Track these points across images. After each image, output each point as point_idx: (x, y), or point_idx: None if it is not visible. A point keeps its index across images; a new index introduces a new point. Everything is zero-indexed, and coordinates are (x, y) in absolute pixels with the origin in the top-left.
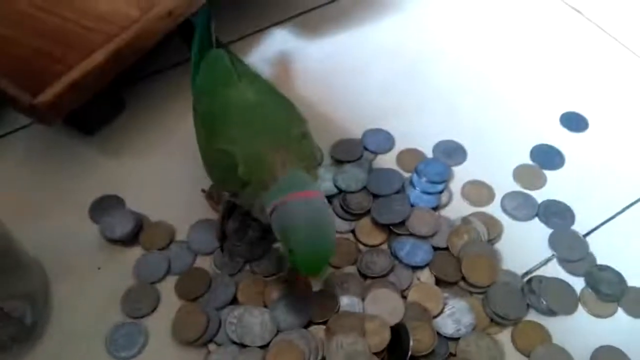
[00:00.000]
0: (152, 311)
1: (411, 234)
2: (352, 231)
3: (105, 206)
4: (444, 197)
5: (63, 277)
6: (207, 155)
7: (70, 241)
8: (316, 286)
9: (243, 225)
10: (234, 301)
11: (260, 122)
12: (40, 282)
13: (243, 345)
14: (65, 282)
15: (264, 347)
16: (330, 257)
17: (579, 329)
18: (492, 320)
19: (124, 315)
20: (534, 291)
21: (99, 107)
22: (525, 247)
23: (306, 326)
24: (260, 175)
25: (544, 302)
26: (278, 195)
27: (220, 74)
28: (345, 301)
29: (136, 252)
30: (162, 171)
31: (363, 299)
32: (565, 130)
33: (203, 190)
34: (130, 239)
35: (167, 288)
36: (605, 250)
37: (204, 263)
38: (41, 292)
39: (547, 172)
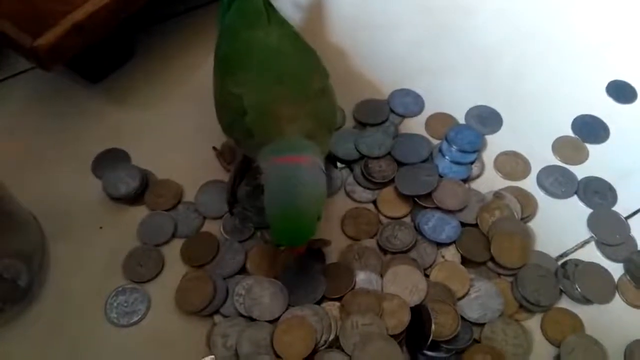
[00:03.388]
0: (156, 276)
1: (437, 208)
2: (374, 201)
3: (109, 160)
4: (475, 169)
5: (61, 235)
6: (218, 95)
7: (71, 197)
8: (292, 262)
9: (256, 190)
10: (242, 270)
11: (278, 70)
12: (36, 241)
13: (251, 319)
14: (63, 241)
15: (273, 321)
16: (306, 229)
17: (614, 319)
18: (521, 305)
19: (126, 279)
20: (569, 276)
21: (105, 53)
22: (561, 227)
23: (319, 302)
24: (265, 128)
25: (578, 289)
26: (267, 157)
27: (250, 13)
28: (362, 277)
29: (141, 211)
30: (171, 125)
31: (382, 276)
32: (611, 101)
33: (214, 148)
34: (135, 198)
35: (173, 252)
36: None
37: (213, 227)
38: (37, 251)
39: (589, 146)
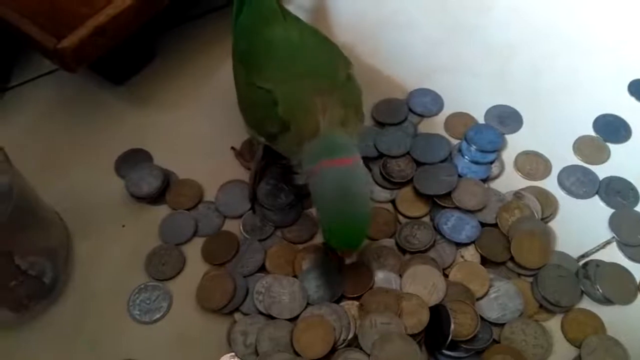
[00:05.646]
0: (177, 274)
1: (457, 207)
2: (392, 201)
3: (131, 161)
4: (495, 168)
5: (85, 233)
6: (245, 94)
7: (94, 196)
8: (350, 259)
9: (275, 189)
10: (262, 269)
11: (304, 63)
12: (61, 239)
13: (270, 317)
14: (87, 239)
15: (292, 320)
16: (364, 231)
17: (636, 320)
18: (541, 306)
19: (148, 276)
20: (590, 277)
21: (128, 55)
22: (582, 227)
23: (337, 301)
24: (300, 119)
25: (600, 290)
26: (314, 159)
27: (265, 13)
28: (381, 276)
29: (162, 210)
30: (192, 125)
31: (400, 276)
32: (633, 100)
33: (233, 148)
34: (157, 197)
35: (193, 250)
36: None
37: (233, 226)
38: (62, 249)
39: (611, 146)
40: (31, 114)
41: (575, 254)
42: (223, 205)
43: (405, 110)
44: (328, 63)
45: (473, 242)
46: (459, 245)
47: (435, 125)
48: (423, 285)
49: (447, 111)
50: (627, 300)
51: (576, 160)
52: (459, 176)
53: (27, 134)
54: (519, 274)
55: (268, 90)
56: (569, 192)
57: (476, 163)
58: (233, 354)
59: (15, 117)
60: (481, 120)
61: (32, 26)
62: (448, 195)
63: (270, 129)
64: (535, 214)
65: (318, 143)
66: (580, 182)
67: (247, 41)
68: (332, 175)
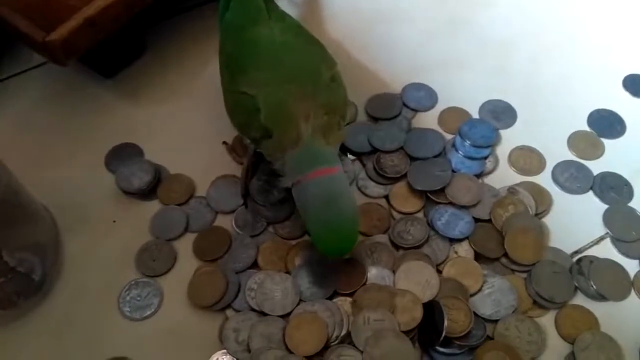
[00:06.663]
0: (168, 270)
1: (450, 203)
2: (386, 196)
3: (122, 155)
4: (489, 164)
5: (75, 229)
6: (229, 98)
7: (84, 191)
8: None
9: (267, 185)
10: (254, 265)
11: (288, 66)
12: (50, 234)
13: (263, 314)
14: (77, 235)
15: (284, 316)
16: (352, 238)
17: (629, 317)
18: (535, 302)
19: (139, 272)
20: (583, 273)
21: (118, 48)
22: (576, 223)
23: (330, 297)
24: (282, 127)
25: (593, 286)
26: (297, 171)
27: (250, 11)
28: (374, 273)
29: (153, 206)
30: (183, 119)
31: (394, 272)
32: (628, 95)
33: (225, 143)
34: (148, 192)
35: (185, 246)
36: None
37: (225, 222)
38: (51, 245)
39: (605, 141)
40: (20, 107)
41: (569, 250)
42: (215, 201)
43: (399, 105)
44: (311, 65)
45: (467, 237)
46: (453, 241)
47: (429, 120)
48: (416, 281)
49: (441, 106)
50: (621, 296)
51: (570, 156)
52: (453, 171)
53: (15, 127)
54: (513, 270)
55: (251, 95)
56: (563, 187)
57: (470, 158)
58: (225, 351)
59: (3, 111)
60: (475, 115)
61: (20, 18)
62: (442, 190)
63: (254, 134)
64: (530, 210)
65: (300, 155)
66: (574, 178)
67: (231, 42)
68: (316, 185)
